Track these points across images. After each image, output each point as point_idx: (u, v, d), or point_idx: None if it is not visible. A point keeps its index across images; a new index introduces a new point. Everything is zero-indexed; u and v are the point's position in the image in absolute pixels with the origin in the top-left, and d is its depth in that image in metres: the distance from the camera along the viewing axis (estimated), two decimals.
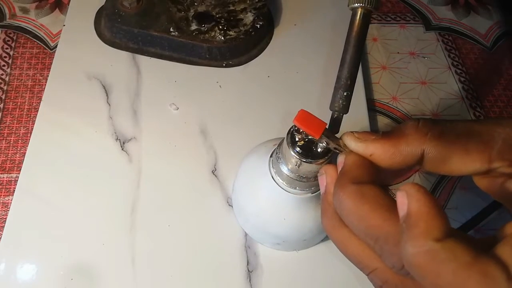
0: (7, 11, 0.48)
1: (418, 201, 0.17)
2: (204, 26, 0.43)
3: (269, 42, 0.46)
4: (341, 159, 0.23)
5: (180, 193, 0.36)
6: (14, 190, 0.35)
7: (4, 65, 0.44)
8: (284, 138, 0.26)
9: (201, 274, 0.33)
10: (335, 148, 0.24)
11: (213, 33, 0.43)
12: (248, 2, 0.45)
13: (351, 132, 0.23)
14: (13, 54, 0.45)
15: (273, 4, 0.49)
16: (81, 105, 0.40)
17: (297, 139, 0.25)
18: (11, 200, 0.35)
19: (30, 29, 0.47)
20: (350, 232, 0.21)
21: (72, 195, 0.36)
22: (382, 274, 0.20)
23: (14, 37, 0.46)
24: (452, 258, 0.16)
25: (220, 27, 0.43)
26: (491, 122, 0.21)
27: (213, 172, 0.38)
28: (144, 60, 0.44)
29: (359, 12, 0.23)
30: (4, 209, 0.36)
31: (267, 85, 0.43)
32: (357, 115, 0.41)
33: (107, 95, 0.41)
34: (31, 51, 0.45)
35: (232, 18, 0.44)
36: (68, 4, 0.48)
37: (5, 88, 0.43)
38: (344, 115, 0.24)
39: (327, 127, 0.23)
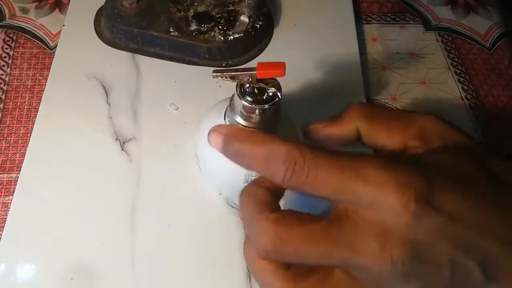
0: (6, 11, 0.48)
1: None
2: (203, 26, 0.43)
3: (269, 42, 0.46)
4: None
5: (180, 193, 0.36)
6: (14, 190, 0.35)
7: (4, 65, 0.44)
8: (234, 93, 0.29)
9: (201, 274, 0.33)
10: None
11: (212, 33, 0.43)
12: None
13: (315, 126, 0.29)
14: (13, 54, 0.45)
15: (273, 4, 0.49)
16: (81, 105, 0.40)
17: (246, 89, 0.28)
18: (11, 200, 0.35)
19: (30, 29, 0.47)
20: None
21: (72, 195, 0.36)
22: None
23: (14, 37, 0.46)
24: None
25: (220, 27, 0.43)
26: (415, 113, 0.27)
27: None
28: (144, 60, 0.44)
29: None
30: (4, 209, 0.36)
31: None
32: None
33: (107, 95, 0.41)
34: (31, 51, 0.45)
35: (232, 18, 0.44)
36: (68, 4, 0.48)
37: (5, 88, 0.43)
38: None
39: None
